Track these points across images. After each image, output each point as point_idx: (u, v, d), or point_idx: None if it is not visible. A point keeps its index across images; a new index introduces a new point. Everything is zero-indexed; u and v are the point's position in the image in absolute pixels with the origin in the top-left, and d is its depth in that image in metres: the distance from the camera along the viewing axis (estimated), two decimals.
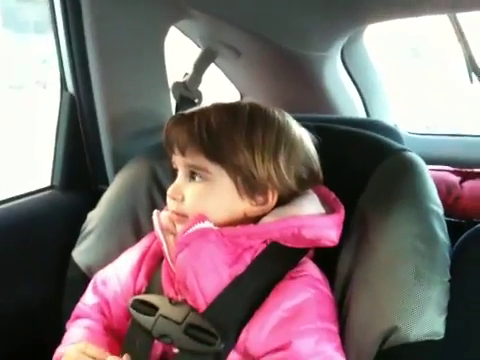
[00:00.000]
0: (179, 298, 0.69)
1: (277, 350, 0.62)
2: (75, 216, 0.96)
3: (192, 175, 0.70)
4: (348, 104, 1.38)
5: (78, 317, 0.79)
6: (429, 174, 0.75)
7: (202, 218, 0.68)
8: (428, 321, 0.60)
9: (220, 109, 0.71)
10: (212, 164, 0.68)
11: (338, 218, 0.71)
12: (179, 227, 0.70)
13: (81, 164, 1.11)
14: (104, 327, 0.76)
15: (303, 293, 0.65)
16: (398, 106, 1.55)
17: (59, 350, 0.74)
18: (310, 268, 0.70)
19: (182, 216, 0.70)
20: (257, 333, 0.63)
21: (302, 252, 0.71)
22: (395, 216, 0.69)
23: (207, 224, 0.68)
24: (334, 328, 0.65)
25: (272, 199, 0.70)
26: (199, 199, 0.69)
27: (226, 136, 0.68)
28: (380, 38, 1.54)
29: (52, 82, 1.16)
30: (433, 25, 1.56)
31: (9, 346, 0.94)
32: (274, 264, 0.69)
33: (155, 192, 0.92)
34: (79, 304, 0.80)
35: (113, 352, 0.69)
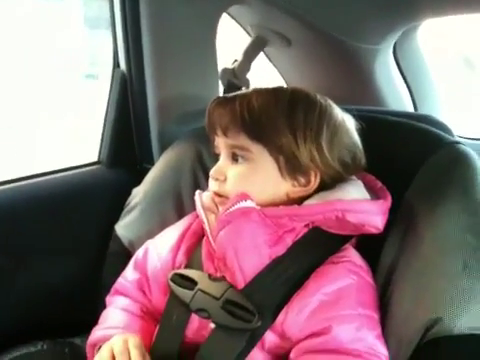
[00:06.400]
0: (218, 275, 0.70)
1: (316, 335, 0.61)
2: (119, 192, 0.98)
3: (234, 157, 0.70)
4: (397, 99, 1.34)
5: (118, 292, 0.80)
6: None
7: (245, 196, 0.67)
8: (474, 314, 0.57)
9: (262, 92, 0.71)
10: (254, 144, 0.68)
11: (384, 205, 0.69)
12: (221, 209, 0.70)
13: (128, 142, 1.12)
14: (141, 308, 0.77)
15: (345, 278, 0.64)
16: (450, 115, 1.49)
17: (97, 333, 0.74)
18: (352, 255, 0.69)
19: (224, 197, 0.70)
20: (296, 316, 0.63)
21: (345, 239, 0.70)
22: (445, 207, 0.67)
23: (249, 203, 0.67)
24: (376, 316, 0.64)
25: (315, 180, 0.69)
26: (241, 180, 0.69)
27: (267, 116, 0.68)
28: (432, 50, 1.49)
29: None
30: None
31: (48, 313, 0.96)
32: (315, 248, 0.68)
33: (199, 172, 0.92)
34: (120, 279, 0.81)
35: (149, 335, 0.71)
